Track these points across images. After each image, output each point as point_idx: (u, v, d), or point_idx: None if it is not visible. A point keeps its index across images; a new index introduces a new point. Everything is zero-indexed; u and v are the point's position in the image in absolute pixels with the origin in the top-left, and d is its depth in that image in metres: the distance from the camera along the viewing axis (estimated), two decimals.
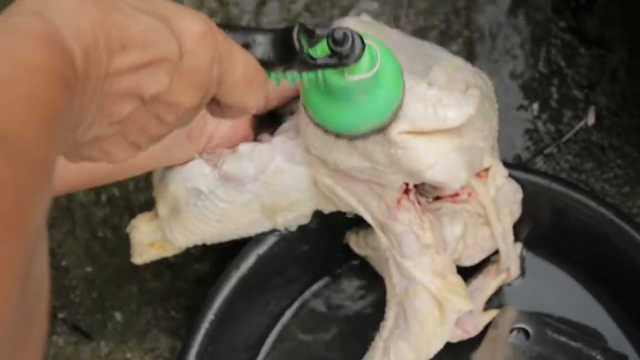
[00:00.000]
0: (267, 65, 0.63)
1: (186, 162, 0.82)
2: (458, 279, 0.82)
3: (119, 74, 0.53)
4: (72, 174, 0.77)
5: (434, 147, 0.74)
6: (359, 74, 0.66)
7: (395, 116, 0.71)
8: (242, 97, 0.61)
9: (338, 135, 0.72)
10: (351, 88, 0.67)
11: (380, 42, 0.69)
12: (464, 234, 0.81)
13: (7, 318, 0.40)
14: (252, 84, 0.61)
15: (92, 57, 0.50)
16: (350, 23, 0.81)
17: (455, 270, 0.82)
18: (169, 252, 0.86)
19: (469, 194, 0.81)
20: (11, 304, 0.41)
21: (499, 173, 0.82)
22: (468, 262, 0.85)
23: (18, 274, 0.41)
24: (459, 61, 0.79)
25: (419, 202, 0.81)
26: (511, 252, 0.86)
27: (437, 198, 0.82)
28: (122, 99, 0.54)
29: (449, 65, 0.78)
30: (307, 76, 0.65)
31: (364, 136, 0.72)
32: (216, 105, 0.62)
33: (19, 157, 0.43)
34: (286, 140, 0.80)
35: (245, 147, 0.80)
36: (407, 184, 0.79)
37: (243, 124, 0.82)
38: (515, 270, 0.88)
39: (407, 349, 0.81)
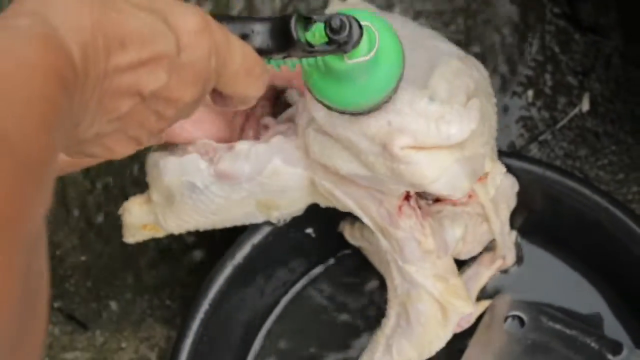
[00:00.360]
0: (265, 53, 0.63)
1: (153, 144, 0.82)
2: (459, 281, 0.82)
3: (118, 71, 0.53)
4: None
5: (436, 162, 0.74)
6: (358, 57, 0.66)
7: (397, 89, 0.71)
8: (242, 88, 0.61)
9: (342, 112, 0.72)
10: (351, 70, 0.67)
11: (378, 18, 0.69)
12: (464, 234, 0.82)
13: (7, 318, 0.41)
14: (252, 75, 0.61)
15: (90, 56, 0.51)
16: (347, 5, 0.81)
17: (456, 272, 0.82)
18: (160, 233, 0.86)
19: (469, 196, 0.81)
20: (11, 305, 0.41)
21: (498, 172, 0.82)
22: (466, 257, 0.85)
23: (18, 276, 0.41)
24: (456, 62, 0.78)
25: (419, 207, 0.80)
26: (507, 241, 0.86)
27: (437, 200, 0.82)
28: (121, 96, 0.54)
29: (448, 69, 0.76)
30: (307, 61, 0.65)
31: (369, 111, 0.72)
32: (218, 95, 0.62)
33: (18, 158, 0.43)
34: (284, 141, 0.80)
35: (242, 146, 0.80)
36: (407, 191, 0.79)
37: (207, 121, 0.82)
38: (511, 258, 0.88)
39: (409, 347, 0.82)
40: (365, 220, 0.80)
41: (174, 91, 0.56)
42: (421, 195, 0.81)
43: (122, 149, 0.58)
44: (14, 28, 0.47)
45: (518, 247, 0.90)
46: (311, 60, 0.65)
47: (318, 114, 0.75)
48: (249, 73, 0.61)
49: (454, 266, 0.82)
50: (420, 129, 0.73)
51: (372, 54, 0.66)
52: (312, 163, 0.79)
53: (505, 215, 0.84)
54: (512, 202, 0.85)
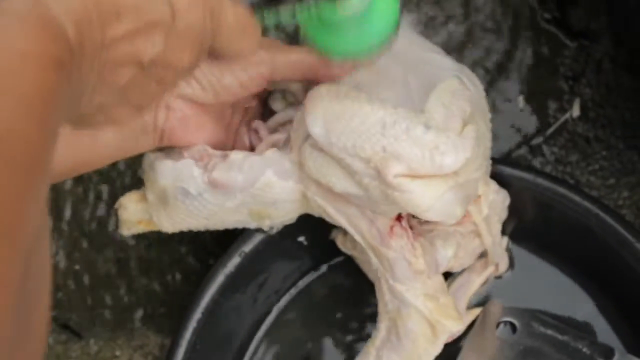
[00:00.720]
0: (257, 8, 0.63)
1: (144, 151, 0.81)
2: (449, 300, 0.82)
3: (114, 42, 0.53)
4: None
5: (430, 190, 0.74)
6: (351, 7, 0.66)
7: (397, 29, 0.70)
8: (236, 45, 0.62)
9: (343, 59, 0.72)
10: (346, 20, 0.67)
11: None
12: (456, 253, 0.82)
13: (3, 319, 0.40)
14: (245, 32, 0.62)
15: (85, 30, 0.51)
16: None
17: (446, 290, 0.83)
18: (156, 227, 0.86)
19: (462, 216, 0.81)
20: (8, 306, 0.41)
21: (491, 191, 0.82)
22: (458, 270, 0.86)
23: (15, 277, 0.41)
24: (453, 82, 0.77)
25: (411, 227, 0.81)
26: (499, 250, 0.86)
27: None
28: (120, 66, 0.54)
29: (445, 91, 0.76)
30: (300, 13, 0.66)
31: (370, 55, 0.72)
32: (213, 51, 0.63)
33: (12, 156, 0.43)
34: (279, 154, 0.80)
35: (236, 156, 0.80)
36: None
37: (196, 120, 0.82)
38: (504, 265, 0.88)
39: None
40: (357, 237, 0.81)
41: (173, 56, 0.57)
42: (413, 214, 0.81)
43: (124, 116, 0.59)
44: (8, 12, 0.47)
45: (509, 252, 0.90)
46: (304, 12, 0.65)
47: (315, 131, 0.75)
48: (242, 31, 0.62)
49: (443, 284, 0.83)
50: (414, 157, 0.73)
51: (365, 2, 0.66)
52: (305, 178, 0.79)
53: (497, 228, 0.85)
54: (504, 214, 0.86)
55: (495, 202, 0.83)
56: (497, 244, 0.86)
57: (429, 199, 0.74)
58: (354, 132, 0.74)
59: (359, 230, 0.80)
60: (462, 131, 0.74)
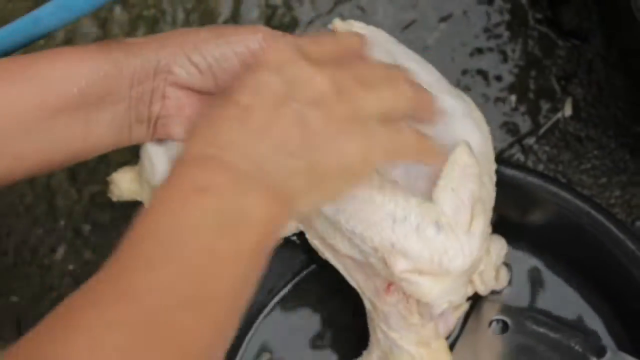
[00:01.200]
0: None
1: (138, 142, 0.80)
2: (440, 344, 0.82)
3: None
4: (30, 155, 0.75)
5: (438, 285, 0.74)
6: None
7: None
8: None
9: None
10: None
11: None
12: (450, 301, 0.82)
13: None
14: None
15: None
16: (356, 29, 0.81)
17: (439, 334, 0.83)
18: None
19: None
20: None
21: (490, 248, 0.83)
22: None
23: None
24: (464, 154, 0.76)
25: None
26: (494, 287, 0.87)
27: None
28: None
29: (454, 169, 0.75)
30: None
31: None
32: None
33: None
34: None
35: None
36: None
37: (193, 109, 0.80)
38: (503, 282, 0.89)
39: None
40: (352, 283, 0.81)
41: None
42: None
43: None
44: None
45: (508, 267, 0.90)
46: None
47: (324, 206, 0.75)
48: None
49: (436, 329, 0.83)
50: (422, 259, 0.73)
51: None
52: (307, 223, 0.79)
53: (491, 275, 0.85)
54: (499, 261, 0.86)
55: (491, 256, 0.85)
56: (491, 286, 0.86)
57: (437, 291, 0.74)
58: (364, 221, 0.74)
59: (355, 279, 0.80)
60: (471, 225, 0.74)
